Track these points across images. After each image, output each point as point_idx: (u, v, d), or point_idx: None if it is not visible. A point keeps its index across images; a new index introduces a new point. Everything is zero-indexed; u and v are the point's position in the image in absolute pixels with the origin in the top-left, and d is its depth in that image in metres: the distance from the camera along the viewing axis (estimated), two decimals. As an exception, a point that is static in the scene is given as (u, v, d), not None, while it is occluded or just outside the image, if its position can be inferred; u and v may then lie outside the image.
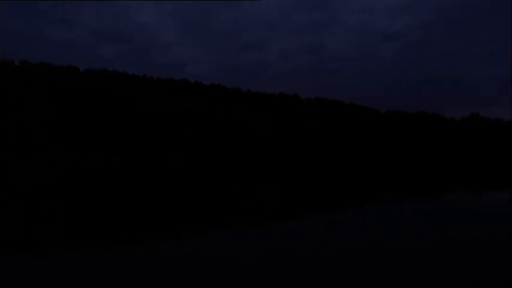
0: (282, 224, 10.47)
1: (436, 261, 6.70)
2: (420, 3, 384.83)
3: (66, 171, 28.66)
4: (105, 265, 6.59)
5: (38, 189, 17.95)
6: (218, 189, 19.43)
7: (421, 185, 23.70)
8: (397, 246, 7.86)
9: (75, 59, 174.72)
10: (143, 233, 9.23)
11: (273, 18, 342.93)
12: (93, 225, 10.04)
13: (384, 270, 6.25)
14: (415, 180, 27.56)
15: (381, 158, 60.85)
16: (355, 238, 8.57)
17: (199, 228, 9.96)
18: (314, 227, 9.86)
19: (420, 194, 18.78)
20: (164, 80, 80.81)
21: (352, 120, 77.89)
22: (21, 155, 36.92)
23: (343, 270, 6.27)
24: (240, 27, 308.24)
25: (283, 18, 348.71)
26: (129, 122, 50.13)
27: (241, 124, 61.03)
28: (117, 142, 46.55)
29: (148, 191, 18.00)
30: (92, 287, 5.60)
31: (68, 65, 64.97)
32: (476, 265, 6.58)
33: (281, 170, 34.48)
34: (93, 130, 46.18)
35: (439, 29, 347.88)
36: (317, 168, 38.30)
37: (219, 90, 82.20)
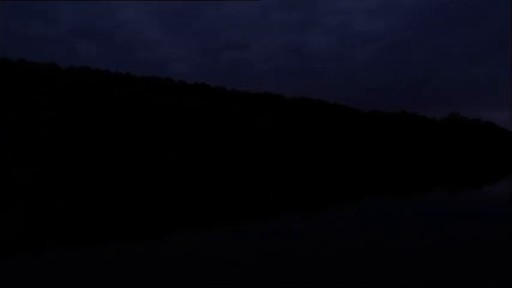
0: (282, 223, 10.54)
1: (421, 259, 6.75)
2: (400, 5, 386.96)
3: (68, 171, 28.76)
4: (107, 265, 6.66)
5: (40, 189, 18.03)
6: (219, 189, 19.48)
7: (402, 183, 23.89)
8: (391, 244, 7.91)
9: (57, 56, 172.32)
10: (144, 233, 9.31)
11: (255, 19, 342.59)
12: (95, 225, 10.12)
13: (377, 269, 6.30)
14: (397, 178, 27.83)
15: (366, 156, 61.92)
16: (355, 238, 8.63)
17: (200, 227, 10.03)
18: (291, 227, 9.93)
19: (401, 192, 19.00)
20: (149, 78, 79.23)
21: (338, 121, 78.22)
22: (23, 155, 37.05)
23: (343, 271, 6.33)
24: (222, 26, 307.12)
25: (264, 18, 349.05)
26: (130, 122, 50.23)
27: (242, 124, 61.09)
28: (119, 142, 46.66)
29: (149, 190, 18.06)
30: (93, 286, 5.67)
31: (51, 61, 63.99)
32: (476, 265, 6.63)
33: (281, 170, 34.53)
34: (95, 130, 46.28)
35: (419, 30, 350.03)
36: (314, 167, 38.35)
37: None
